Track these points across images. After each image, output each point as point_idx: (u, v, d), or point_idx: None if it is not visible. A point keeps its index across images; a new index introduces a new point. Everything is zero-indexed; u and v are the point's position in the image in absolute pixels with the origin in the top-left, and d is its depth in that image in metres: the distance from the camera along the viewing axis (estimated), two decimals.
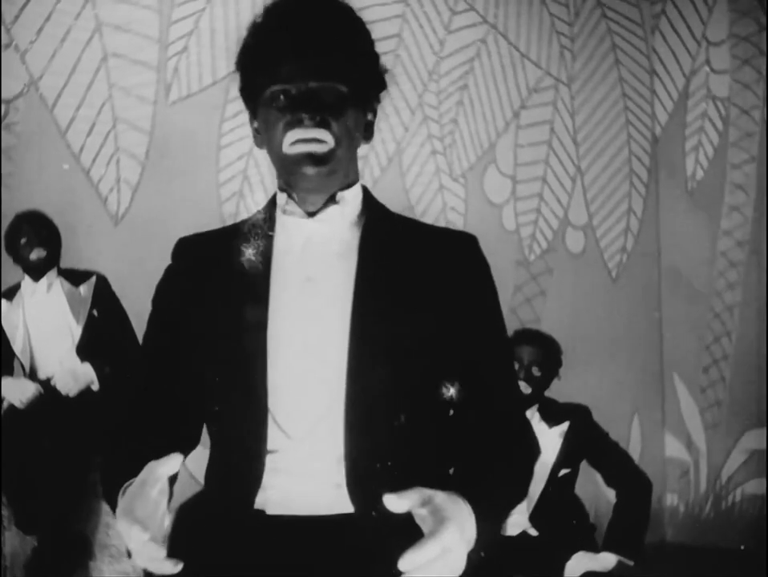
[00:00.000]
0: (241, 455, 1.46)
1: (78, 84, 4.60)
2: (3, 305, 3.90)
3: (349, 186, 1.56)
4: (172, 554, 1.42)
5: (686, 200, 6.40)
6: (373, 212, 1.58)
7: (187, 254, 1.59)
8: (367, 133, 1.58)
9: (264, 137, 1.54)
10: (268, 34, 1.51)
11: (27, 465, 3.69)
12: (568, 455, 3.41)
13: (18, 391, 3.73)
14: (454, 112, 5.61)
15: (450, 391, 1.48)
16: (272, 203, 1.58)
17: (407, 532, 1.39)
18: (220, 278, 1.52)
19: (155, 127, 4.77)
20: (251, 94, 1.55)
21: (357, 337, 1.45)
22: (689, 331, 6.24)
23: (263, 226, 1.56)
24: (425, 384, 1.48)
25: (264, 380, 1.45)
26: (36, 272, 3.89)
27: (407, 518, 1.39)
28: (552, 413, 3.43)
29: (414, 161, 5.54)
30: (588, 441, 3.43)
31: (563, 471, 3.41)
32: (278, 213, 1.55)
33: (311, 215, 1.53)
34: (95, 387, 3.73)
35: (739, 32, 6.27)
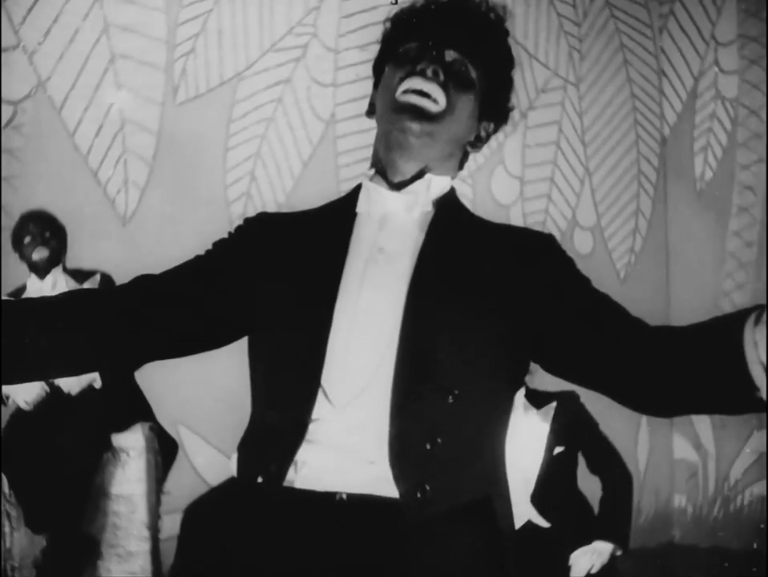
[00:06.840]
0: (285, 419, 1.41)
1: (86, 85, 4.61)
2: None
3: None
4: (183, 554, 1.41)
5: (695, 201, 6.39)
6: (455, 202, 1.56)
7: (269, 218, 1.58)
8: (475, 142, 1.58)
9: (379, 98, 1.53)
10: (427, 3, 1.53)
11: (35, 465, 3.70)
12: (559, 432, 3.45)
13: (24, 392, 3.75)
14: None
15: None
16: (358, 187, 1.57)
17: (452, 524, 1.37)
18: (299, 244, 1.51)
19: (162, 128, 4.77)
20: (385, 57, 1.55)
21: (413, 307, 1.42)
22: None
23: (349, 199, 1.55)
24: (484, 361, 1.43)
25: (323, 346, 1.42)
26: (40, 270, 3.92)
27: (455, 507, 1.37)
28: (540, 398, 3.47)
29: None
30: (576, 421, 3.48)
31: (557, 449, 3.44)
32: (364, 183, 1.54)
33: (396, 187, 1.52)
34: (97, 385, 3.74)
35: (748, 32, 6.25)
